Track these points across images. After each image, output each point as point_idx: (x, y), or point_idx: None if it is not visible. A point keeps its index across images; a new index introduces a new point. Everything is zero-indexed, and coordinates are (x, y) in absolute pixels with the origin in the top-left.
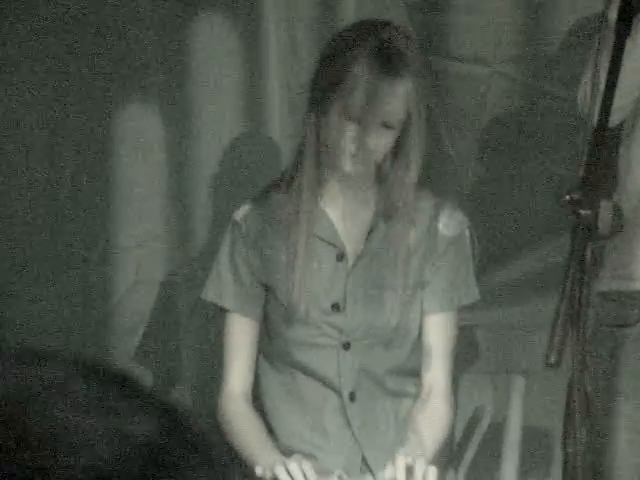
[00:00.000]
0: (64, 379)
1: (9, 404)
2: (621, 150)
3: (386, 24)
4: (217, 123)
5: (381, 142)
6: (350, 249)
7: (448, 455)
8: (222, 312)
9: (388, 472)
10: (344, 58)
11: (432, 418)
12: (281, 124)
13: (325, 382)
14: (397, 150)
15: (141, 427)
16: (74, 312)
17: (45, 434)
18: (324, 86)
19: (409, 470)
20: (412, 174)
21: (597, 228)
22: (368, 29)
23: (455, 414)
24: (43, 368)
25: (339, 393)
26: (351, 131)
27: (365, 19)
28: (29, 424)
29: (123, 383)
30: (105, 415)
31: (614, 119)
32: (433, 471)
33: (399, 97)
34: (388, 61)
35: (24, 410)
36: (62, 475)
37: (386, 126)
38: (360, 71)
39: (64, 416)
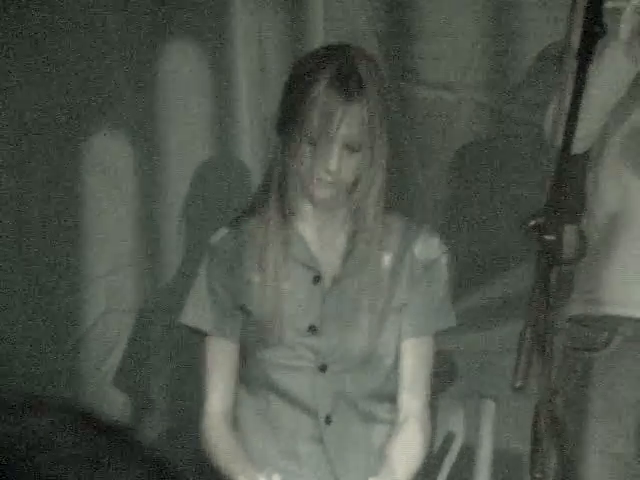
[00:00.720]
0: (50, 430)
1: None
2: (589, 175)
3: (346, 46)
4: (187, 149)
5: (347, 165)
6: (326, 271)
7: (421, 478)
8: (201, 336)
9: None
10: (303, 82)
11: (407, 445)
12: (252, 149)
13: (301, 405)
14: (363, 174)
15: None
16: (44, 341)
17: None
18: (287, 111)
19: None
20: (376, 196)
21: (561, 253)
22: (328, 53)
23: (431, 440)
24: (28, 417)
25: (315, 416)
26: (312, 155)
27: (327, 44)
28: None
29: (112, 434)
30: (88, 468)
31: (581, 146)
32: None
33: (357, 119)
34: (345, 83)
35: (7, 463)
36: None
37: (349, 149)
38: (318, 94)
39: (44, 470)
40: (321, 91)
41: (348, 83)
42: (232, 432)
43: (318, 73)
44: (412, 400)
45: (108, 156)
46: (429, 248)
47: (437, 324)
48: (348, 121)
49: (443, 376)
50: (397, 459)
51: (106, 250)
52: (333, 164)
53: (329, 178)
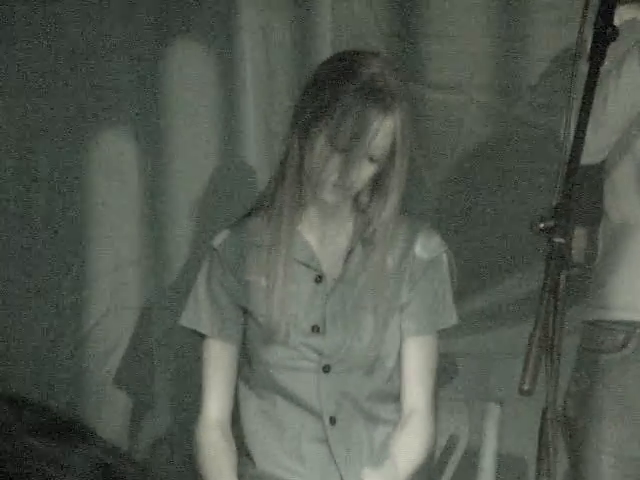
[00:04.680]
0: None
1: None
2: (606, 181)
3: (376, 55)
4: (193, 149)
5: (363, 174)
6: (328, 272)
7: None
8: (200, 338)
9: None
10: (335, 88)
11: (410, 441)
12: (257, 150)
13: (305, 406)
14: (378, 181)
15: None
16: (47, 338)
17: None
18: (312, 114)
19: None
20: (392, 206)
21: (571, 256)
22: (359, 60)
23: (435, 438)
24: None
25: (319, 417)
26: (336, 161)
27: (354, 49)
28: None
29: (49, 432)
30: (16, 476)
31: (596, 156)
32: None
33: (388, 132)
34: (380, 96)
35: None
36: None
37: (371, 159)
38: (352, 103)
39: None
40: (356, 101)
41: (383, 95)
42: (226, 444)
43: (351, 81)
44: (415, 397)
45: (113, 154)
46: (430, 247)
47: (439, 322)
48: (378, 133)
49: (445, 377)
50: (399, 455)
51: (110, 248)
52: (355, 173)
53: (344, 184)
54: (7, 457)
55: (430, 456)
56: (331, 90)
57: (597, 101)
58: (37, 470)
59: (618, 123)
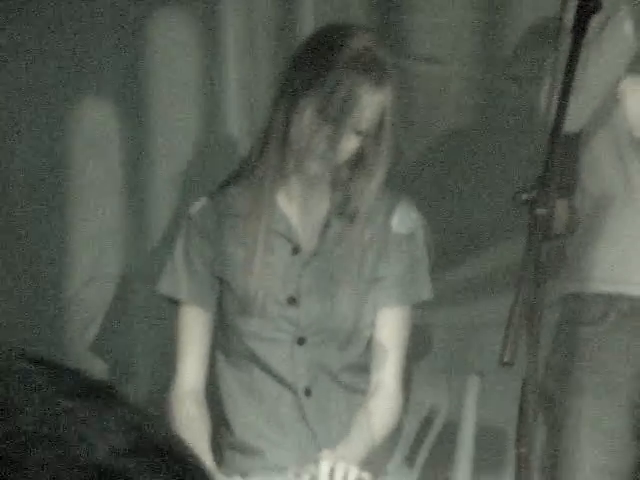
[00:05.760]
0: (6, 395)
1: None
2: (584, 152)
3: (366, 30)
4: (174, 119)
5: (349, 146)
6: (305, 243)
7: (403, 453)
8: (176, 305)
9: (309, 470)
10: (327, 60)
11: (376, 415)
12: (239, 120)
13: (280, 377)
14: (362, 155)
15: (96, 451)
16: (28, 307)
17: None
18: (301, 85)
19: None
20: (376, 182)
21: (552, 228)
22: (350, 34)
23: (402, 411)
24: None
25: (294, 388)
26: (324, 133)
27: (343, 23)
28: None
29: (82, 394)
30: (52, 439)
31: (576, 124)
32: (353, 473)
33: (377, 106)
34: (372, 70)
35: None
36: None
37: (358, 132)
38: (344, 76)
39: (3, 448)
40: (348, 74)
41: (375, 69)
42: (199, 412)
43: (342, 53)
44: (383, 371)
45: (95, 126)
46: (407, 221)
47: (412, 295)
48: (369, 107)
49: (423, 350)
50: (362, 430)
51: (91, 217)
52: (341, 145)
53: (331, 156)
54: (44, 420)
55: (408, 428)
56: (322, 62)
57: (577, 68)
58: (74, 432)
59: (597, 90)
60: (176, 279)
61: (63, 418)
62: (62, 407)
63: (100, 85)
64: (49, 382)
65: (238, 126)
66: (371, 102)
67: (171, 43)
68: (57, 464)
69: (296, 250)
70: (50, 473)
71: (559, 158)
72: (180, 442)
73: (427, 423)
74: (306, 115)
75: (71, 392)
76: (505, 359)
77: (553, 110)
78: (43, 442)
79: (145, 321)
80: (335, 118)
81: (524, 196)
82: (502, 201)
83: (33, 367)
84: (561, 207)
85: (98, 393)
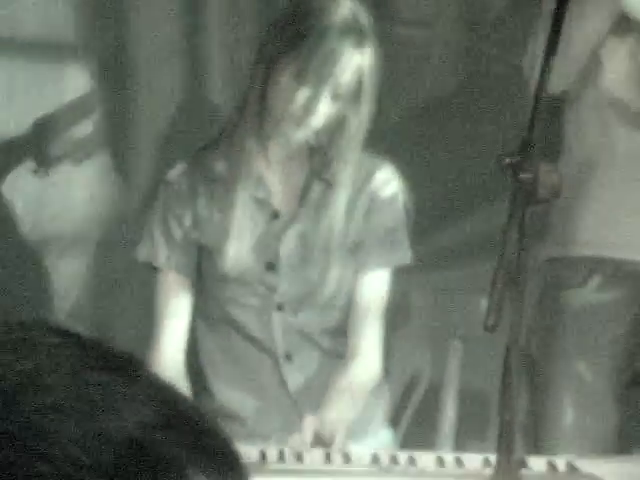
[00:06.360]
0: (35, 368)
1: None
2: (569, 116)
3: None
4: (155, 83)
5: (327, 111)
6: (284, 209)
7: (385, 417)
8: (155, 272)
9: (294, 439)
10: (305, 24)
11: (355, 379)
12: (220, 84)
13: (260, 343)
14: (341, 120)
15: (125, 423)
16: (9, 273)
17: (7, 438)
18: (279, 48)
19: (317, 435)
20: (355, 145)
21: (537, 192)
22: None
23: (384, 376)
24: (11, 356)
25: (274, 354)
26: (301, 96)
27: None
28: None
29: (108, 366)
30: (82, 412)
31: (559, 86)
32: (340, 437)
33: (356, 70)
34: (351, 33)
35: None
36: None
37: (336, 96)
38: (322, 39)
39: (31, 416)
40: (326, 36)
41: (353, 33)
42: (178, 377)
43: (321, 16)
44: (362, 334)
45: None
46: (387, 185)
47: (392, 260)
48: (348, 71)
49: (408, 315)
50: (343, 394)
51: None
52: (320, 109)
53: (309, 120)
54: (75, 393)
55: (393, 393)
56: (301, 25)
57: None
58: (105, 405)
59: (581, 51)
60: (154, 245)
61: (93, 391)
62: (91, 380)
63: (83, 48)
64: (77, 355)
65: (220, 90)
66: (349, 65)
67: (154, 6)
68: (89, 437)
69: (275, 215)
70: (83, 446)
71: (543, 122)
72: (208, 417)
73: (410, 388)
74: (284, 79)
75: (99, 365)
76: (489, 323)
77: (537, 72)
78: (75, 416)
79: (126, 286)
80: (313, 81)
81: (507, 160)
82: (485, 165)
83: (60, 340)
84: (545, 171)
85: (125, 366)
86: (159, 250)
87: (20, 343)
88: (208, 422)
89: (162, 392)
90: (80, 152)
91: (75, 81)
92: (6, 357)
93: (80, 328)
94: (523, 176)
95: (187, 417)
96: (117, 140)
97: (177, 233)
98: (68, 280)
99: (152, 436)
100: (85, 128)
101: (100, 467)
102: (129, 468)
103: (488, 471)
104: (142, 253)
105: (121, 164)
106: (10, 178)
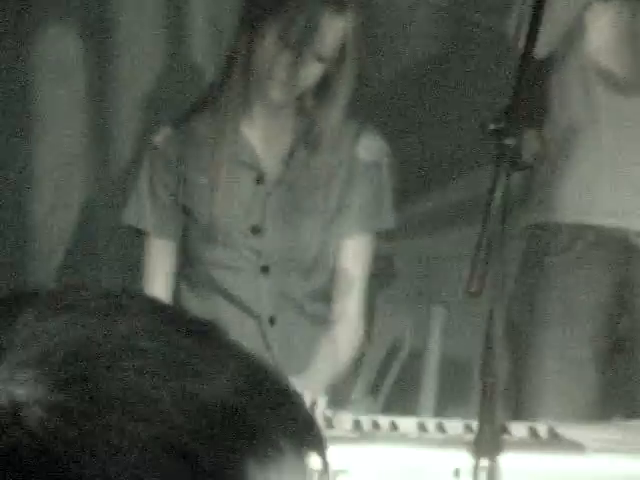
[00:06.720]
0: (134, 335)
1: (71, 363)
2: (553, 81)
3: None
4: (138, 46)
5: (311, 73)
6: (269, 172)
7: (367, 383)
8: (141, 235)
9: None
10: None
11: (338, 343)
12: (204, 48)
13: (244, 306)
14: (325, 83)
15: (217, 388)
16: None
17: (110, 400)
18: (262, 10)
19: None
20: (339, 110)
21: (521, 158)
22: None
23: (366, 341)
24: (110, 322)
25: (258, 317)
26: (285, 59)
27: None
28: (93, 387)
29: (198, 334)
30: (176, 376)
31: (542, 50)
32: (322, 401)
33: (339, 32)
34: None
35: (89, 371)
36: (129, 446)
37: (320, 59)
38: (304, 2)
39: (130, 379)
40: None
41: None
42: None
43: None
44: (346, 299)
45: (58, 52)
46: (372, 150)
47: (374, 224)
48: (330, 32)
49: (390, 281)
50: (326, 358)
51: (54, 145)
52: (303, 71)
53: (291, 83)
54: (166, 356)
55: (375, 358)
56: None
57: None
58: (194, 366)
59: (565, 15)
60: (141, 209)
61: (184, 356)
62: (182, 345)
63: (65, 11)
64: (166, 321)
65: (203, 54)
66: (332, 28)
67: None
68: (187, 401)
69: (260, 179)
70: (181, 410)
71: (528, 87)
72: (288, 383)
73: (392, 353)
74: (267, 41)
75: (187, 330)
76: (471, 289)
77: (522, 37)
78: (171, 380)
79: (109, 249)
80: (296, 44)
81: (492, 126)
82: (469, 131)
83: (150, 306)
84: (530, 137)
85: (210, 332)
86: (146, 214)
87: (115, 309)
88: (289, 387)
89: (247, 358)
90: (63, 114)
91: (57, 44)
92: (104, 322)
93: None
94: (507, 142)
95: (272, 382)
96: (100, 102)
97: (163, 197)
98: (51, 242)
99: (244, 402)
100: (67, 90)
101: (198, 432)
102: (225, 433)
103: (470, 437)
104: (128, 217)
105: (104, 126)
106: None
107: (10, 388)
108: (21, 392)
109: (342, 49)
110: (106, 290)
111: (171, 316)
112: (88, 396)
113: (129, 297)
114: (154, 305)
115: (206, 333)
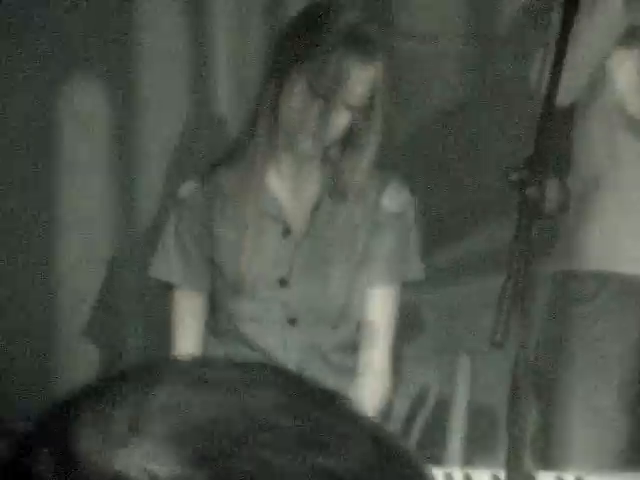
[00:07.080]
0: (269, 409)
1: (208, 440)
2: (577, 127)
3: (355, 6)
4: (163, 100)
5: (340, 123)
6: (296, 225)
7: (394, 433)
8: (169, 289)
9: None
10: (317, 34)
11: (365, 395)
12: (228, 100)
13: (270, 357)
14: (352, 133)
15: (350, 462)
16: (17, 290)
17: (246, 477)
18: (290, 61)
19: None
20: (367, 158)
21: (544, 207)
22: (339, 9)
23: (393, 391)
24: (246, 397)
25: None
26: (315, 108)
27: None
28: (229, 465)
29: (329, 406)
30: (310, 451)
31: (567, 98)
32: None
33: (368, 81)
34: (362, 44)
35: (225, 448)
36: None
37: (349, 108)
38: (334, 50)
39: (266, 455)
40: (339, 49)
41: (366, 44)
42: None
43: (332, 27)
44: (373, 350)
45: (83, 106)
46: (398, 200)
47: (402, 274)
48: (360, 81)
49: (415, 331)
50: None
51: (80, 200)
52: (333, 121)
53: (321, 133)
54: (295, 429)
55: (400, 407)
56: (312, 37)
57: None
58: (323, 438)
59: (588, 64)
60: (169, 262)
61: (313, 428)
62: (311, 417)
63: (89, 63)
64: (293, 394)
65: (228, 106)
66: (361, 77)
67: (161, 19)
68: (321, 476)
69: (287, 232)
70: None
71: (551, 136)
72: (410, 452)
73: (418, 403)
74: (296, 91)
75: (312, 401)
76: (496, 339)
77: (544, 86)
78: (301, 453)
79: (135, 304)
80: (325, 93)
81: (514, 175)
82: (493, 180)
83: (273, 378)
84: (552, 187)
85: (333, 402)
86: (174, 267)
87: (246, 383)
88: (415, 460)
89: (371, 429)
90: (88, 168)
91: (82, 98)
92: (237, 397)
93: (91, 346)
94: (529, 191)
95: (400, 455)
96: (125, 156)
97: (192, 250)
98: (77, 297)
99: (376, 477)
100: (92, 144)
101: None
102: None
103: None
104: (157, 270)
105: (129, 180)
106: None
107: (149, 465)
108: (159, 468)
109: (371, 98)
110: (233, 362)
111: (299, 388)
112: (225, 473)
113: (258, 369)
114: (282, 377)
115: (333, 403)
